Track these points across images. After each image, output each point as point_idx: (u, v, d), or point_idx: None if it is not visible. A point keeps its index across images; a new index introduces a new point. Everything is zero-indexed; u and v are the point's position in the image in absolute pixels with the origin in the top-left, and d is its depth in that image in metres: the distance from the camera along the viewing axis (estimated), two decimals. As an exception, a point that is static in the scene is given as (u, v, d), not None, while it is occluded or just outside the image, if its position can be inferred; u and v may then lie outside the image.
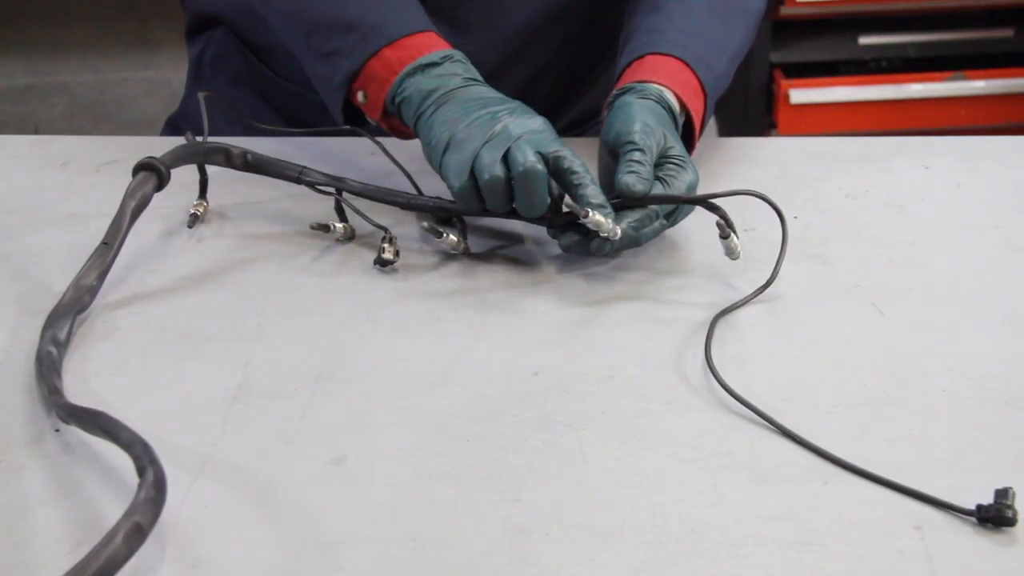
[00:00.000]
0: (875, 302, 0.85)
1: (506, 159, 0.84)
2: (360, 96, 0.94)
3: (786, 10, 2.23)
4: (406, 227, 0.94)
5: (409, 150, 0.96)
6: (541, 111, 0.90)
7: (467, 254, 0.91)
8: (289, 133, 1.08)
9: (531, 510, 0.65)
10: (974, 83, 2.27)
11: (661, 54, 0.96)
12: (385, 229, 0.90)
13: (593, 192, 0.84)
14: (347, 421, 0.73)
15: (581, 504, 0.66)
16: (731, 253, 0.87)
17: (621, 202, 0.85)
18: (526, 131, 0.85)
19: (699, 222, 0.90)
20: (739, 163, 1.06)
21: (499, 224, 0.94)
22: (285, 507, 0.66)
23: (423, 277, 0.88)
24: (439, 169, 0.88)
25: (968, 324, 0.83)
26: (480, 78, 0.92)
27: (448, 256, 0.91)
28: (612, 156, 0.89)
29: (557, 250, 0.89)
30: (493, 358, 0.79)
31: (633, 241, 0.86)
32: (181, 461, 0.68)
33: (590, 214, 0.82)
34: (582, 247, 0.86)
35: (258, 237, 0.93)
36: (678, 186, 0.87)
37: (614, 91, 0.94)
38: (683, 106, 0.94)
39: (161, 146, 0.94)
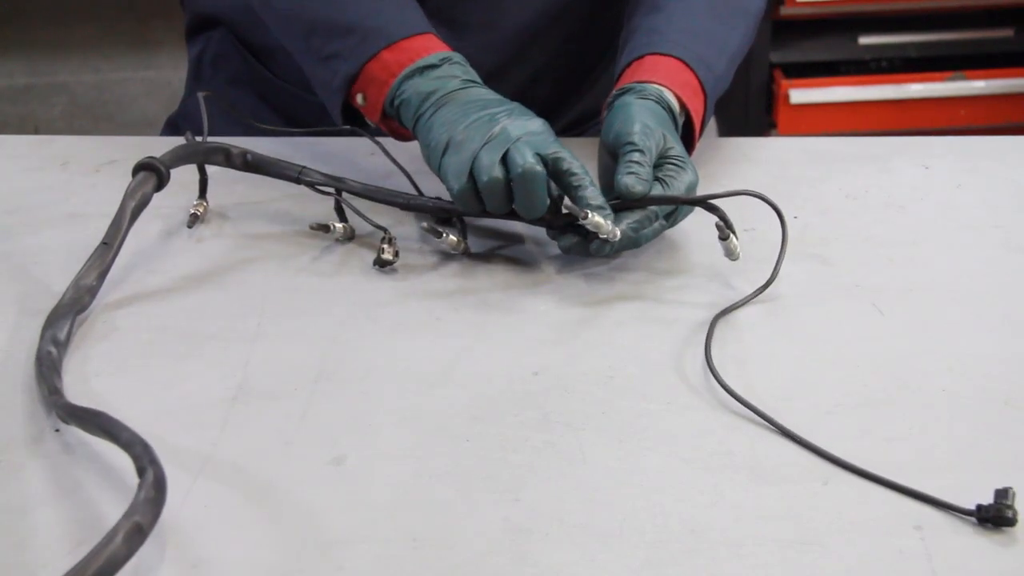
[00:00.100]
0: (875, 302, 0.85)
1: (505, 161, 0.84)
2: (359, 98, 0.94)
3: (786, 10, 2.23)
4: (406, 227, 0.94)
5: (409, 150, 0.96)
6: (540, 111, 0.90)
7: (467, 254, 0.91)
8: (289, 133, 1.08)
9: (531, 510, 0.65)
10: (974, 83, 2.27)
11: (661, 54, 0.95)
12: (385, 229, 0.90)
13: (592, 193, 0.84)
14: (347, 421, 0.73)
15: (581, 504, 0.66)
16: (730, 255, 0.87)
17: (620, 203, 0.85)
18: (525, 132, 0.85)
19: (699, 222, 0.90)
20: (739, 163, 1.06)
21: (499, 224, 0.94)
22: (285, 507, 0.66)
23: (423, 277, 0.88)
24: (438, 171, 0.88)
25: (968, 324, 0.83)
26: (479, 80, 0.92)
27: (448, 256, 0.91)
28: (612, 157, 0.89)
29: (557, 250, 0.89)
30: (493, 358, 0.79)
31: (633, 242, 0.86)
32: (181, 461, 0.68)
33: (589, 215, 0.82)
34: (582, 248, 0.86)
35: (258, 237, 0.94)
36: (678, 187, 0.87)
37: (614, 91, 0.94)
38: (683, 106, 0.94)
39: (161, 146, 0.94)
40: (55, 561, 0.61)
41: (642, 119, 0.88)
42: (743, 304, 0.84)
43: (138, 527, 0.59)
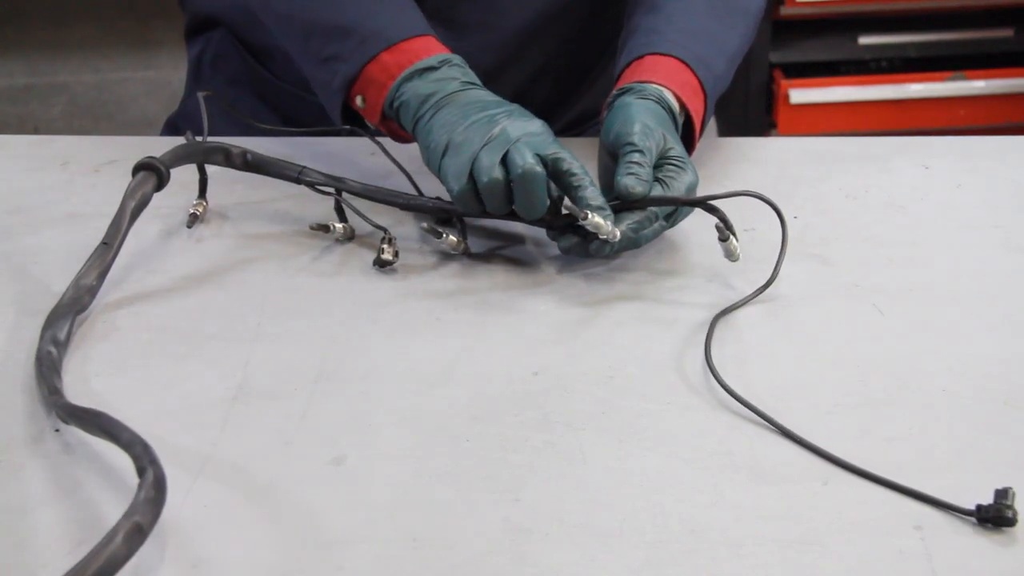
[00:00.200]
0: (875, 302, 0.85)
1: (505, 161, 0.84)
2: (359, 100, 0.94)
3: (786, 10, 2.23)
4: (406, 227, 0.94)
5: (409, 150, 0.96)
6: (540, 112, 0.90)
7: (467, 254, 0.91)
8: (289, 133, 1.08)
9: (531, 510, 0.65)
10: (974, 83, 2.27)
11: (660, 54, 0.95)
12: (384, 230, 0.90)
13: (592, 194, 0.84)
14: (347, 421, 0.73)
15: (581, 504, 0.66)
16: (730, 256, 0.87)
17: (620, 204, 0.85)
18: (524, 133, 0.85)
19: (699, 223, 0.90)
20: (739, 163, 1.06)
21: (499, 224, 0.94)
22: (285, 507, 0.66)
23: (423, 277, 0.88)
24: (438, 172, 0.88)
25: (968, 324, 0.83)
26: (478, 82, 0.92)
27: (448, 256, 0.91)
28: (612, 157, 0.89)
29: (557, 250, 0.89)
30: (493, 358, 0.79)
31: (632, 243, 0.86)
32: (181, 461, 0.68)
33: (589, 216, 0.82)
34: (581, 249, 0.86)
35: (258, 237, 0.93)
36: (678, 187, 0.87)
37: (613, 91, 0.94)
38: (683, 106, 0.94)
39: (161, 146, 0.94)
40: (55, 561, 0.61)
41: (642, 119, 0.88)
42: (743, 304, 0.84)
43: (138, 527, 0.59)
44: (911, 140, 1.11)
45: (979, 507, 0.64)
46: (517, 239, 0.93)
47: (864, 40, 2.30)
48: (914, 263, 0.90)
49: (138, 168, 0.90)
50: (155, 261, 0.90)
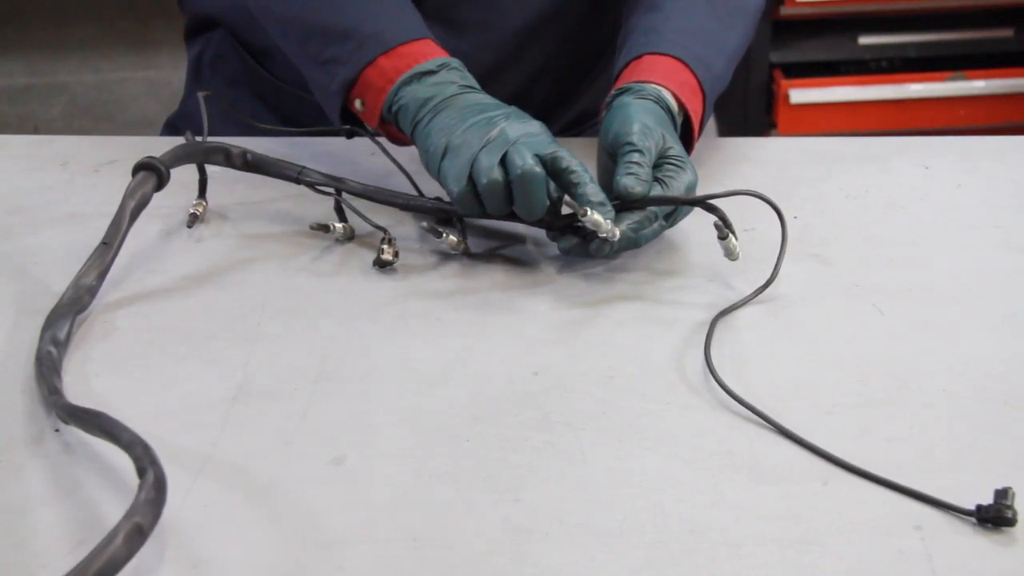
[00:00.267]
0: (875, 302, 0.85)
1: (504, 163, 0.84)
2: (358, 104, 0.94)
3: (786, 10, 2.23)
4: (405, 227, 0.94)
5: (408, 151, 0.96)
6: (539, 112, 0.90)
7: (467, 254, 0.91)
8: (288, 133, 1.08)
9: (531, 510, 0.65)
10: (974, 83, 2.27)
11: (659, 54, 0.95)
12: (384, 230, 0.90)
13: (592, 190, 0.84)
14: (347, 421, 0.73)
15: (581, 504, 0.66)
16: (730, 254, 0.87)
17: (620, 204, 0.85)
18: (523, 134, 0.85)
19: (698, 223, 0.90)
20: (738, 163, 1.06)
21: (499, 224, 0.94)
22: (285, 507, 0.66)
23: (422, 277, 0.88)
24: (437, 175, 0.88)
25: (968, 324, 0.83)
26: (476, 85, 0.92)
27: (447, 256, 0.91)
28: (611, 157, 0.89)
29: (557, 250, 0.89)
30: (493, 358, 0.79)
31: (632, 242, 0.86)
32: (181, 461, 0.68)
33: (588, 213, 0.82)
34: (581, 249, 0.86)
35: (258, 237, 0.93)
36: (677, 187, 0.87)
37: (612, 91, 0.94)
38: (681, 106, 0.94)
39: (161, 146, 0.94)
40: (55, 561, 0.61)
41: (641, 119, 0.88)
42: (743, 304, 0.84)
43: (139, 528, 0.59)
44: (911, 140, 1.11)
45: (979, 507, 0.64)
46: (517, 239, 0.93)
47: (864, 40, 2.30)
48: (914, 263, 0.90)
49: (138, 168, 0.90)
50: (155, 261, 0.90)
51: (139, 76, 2.62)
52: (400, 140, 0.96)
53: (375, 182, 0.94)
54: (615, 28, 1.05)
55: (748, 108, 2.30)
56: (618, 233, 0.84)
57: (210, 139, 0.96)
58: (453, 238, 0.89)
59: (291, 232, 0.94)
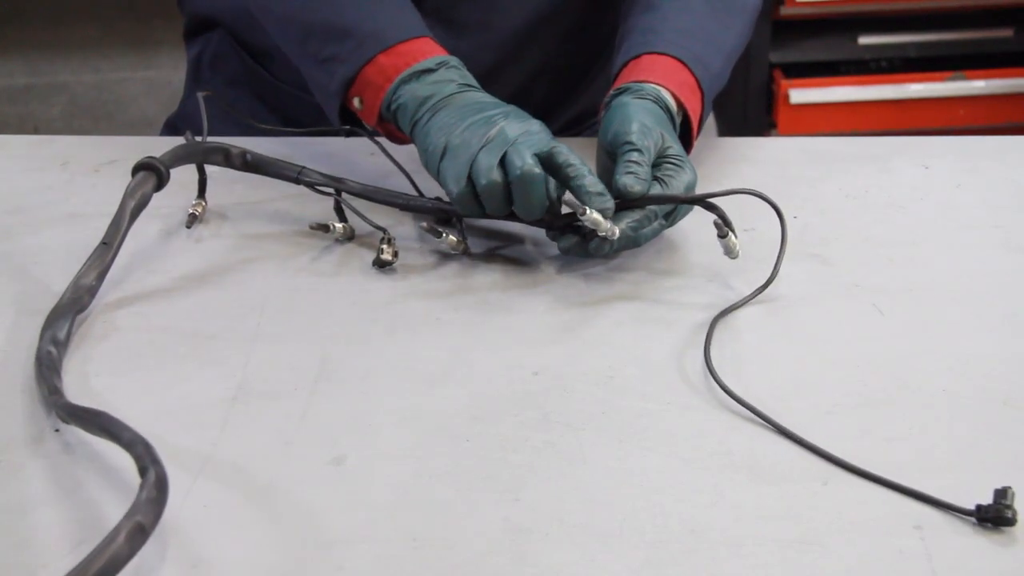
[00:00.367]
0: (875, 302, 0.85)
1: (503, 163, 0.84)
2: (356, 102, 0.94)
3: (786, 10, 2.23)
4: (405, 227, 0.94)
5: (408, 150, 0.96)
6: (538, 111, 0.90)
7: (466, 254, 0.91)
8: (288, 133, 1.08)
9: (531, 510, 0.65)
10: (974, 83, 2.27)
11: (657, 53, 0.95)
12: (384, 230, 0.90)
13: (591, 182, 0.84)
14: (347, 421, 0.73)
15: (581, 504, 0.66)
16: (730, 252, 0.87)
17: (619, 203, 0.85)
18: (522, 133, 0.85)
19: (698, 222, 0.90)
20: (738, 163, 1.06)
21: (498, 224, 0.94)
22: (285, 507, 0.66)
23: (422, 277, 0.88)
24: (437, 175, 0.88)
25: (968, 324, 0.83)
26: (476, 84, 0.92)
27: (447, 256, 0.91)
28: (610, 157, 0.89)
29: (556, 250, 0.89)
30: (493, 358, 0.79)
31: (632, 242, 0.86)
32: (181, 461, 0.68)
33: (588, 212, 0.82)
34: (581, 249, 0.86)
35: (258, 237, 0.94)
36: (676, 186, 0.87)
37: (611, 91, 0.94)
38: (680, 105, 0.94)
39: (161, 146, 0.94)
40: (55, 561, 0.61)
41: (640, 119, 0.88)
42: (742, 304, 0.84)
43: (140, 527, 0.59)
44: (911, 140, 1.11)
45: (979, 507, 0.64)
46: (517, 239, 0.93)
47: (864, 40, 2.30)
48: (914, 263, 0.90)
49: (138, 168, 0.90)
50: (155, 261, 0.90)
51: (139, 76, 2.62)
52: (399, 139, 0.96)
53: (374, 182, 0.94)
54: (614, 28, 1.05)
55: (748, 108, 2.30)
56: (617, 232, 0.84)
57: (210, 139, 0.96)
58: (452, 238, 0.89)
59: (291, 232, 0.94)
